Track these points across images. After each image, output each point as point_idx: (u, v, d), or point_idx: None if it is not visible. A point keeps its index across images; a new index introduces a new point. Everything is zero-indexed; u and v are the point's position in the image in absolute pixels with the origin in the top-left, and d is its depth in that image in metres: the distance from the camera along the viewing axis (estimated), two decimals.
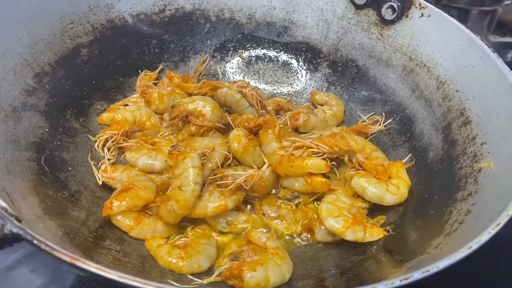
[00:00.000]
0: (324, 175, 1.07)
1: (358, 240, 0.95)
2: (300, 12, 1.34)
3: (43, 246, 0.62)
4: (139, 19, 1.31)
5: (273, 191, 1.11)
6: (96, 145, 1.12)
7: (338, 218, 0.96)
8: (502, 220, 0.70)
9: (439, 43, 1.12)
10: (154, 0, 1.32)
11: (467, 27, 1.06)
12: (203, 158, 1.00)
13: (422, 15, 1.15)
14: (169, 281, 0.85)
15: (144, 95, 1.22)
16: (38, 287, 0.99)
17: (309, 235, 1.03)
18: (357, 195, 1.05)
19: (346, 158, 1.10)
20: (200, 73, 1.38)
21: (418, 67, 1.17)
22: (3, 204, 0.66)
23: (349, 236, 0.95)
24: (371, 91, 1.28)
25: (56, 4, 1.13)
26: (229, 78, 1.41)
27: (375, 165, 1.07)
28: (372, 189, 1.01)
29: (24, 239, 0.63)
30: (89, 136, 1.14)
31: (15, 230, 0.63)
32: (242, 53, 1.41)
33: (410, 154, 1.13)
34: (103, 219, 0.96)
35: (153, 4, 1.32)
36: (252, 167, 1.06)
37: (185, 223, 1.00)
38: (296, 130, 1.24)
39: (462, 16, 1.68)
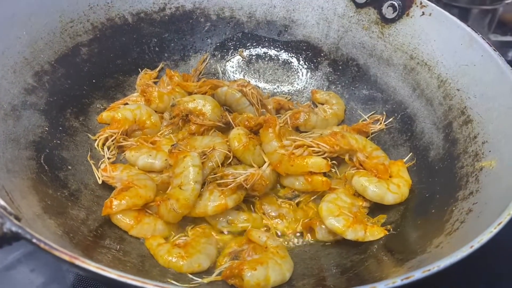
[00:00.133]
0: (324, 174, 1.06)
1: (359, 239, 0.95)
2: (300, 10, 1.34)
3: (42, 245, 0.61)
4: (139, 17, 1.30)
5: (275, 188, 1.11)
6: (96, 144, 1.12)
7: (338, 217, 0.96)
8: (504, 219, 0.69)
9: (440, 41, 1.11)
10: None
11: (468, 26, 1.05)
12: (204, 157, 1.00)
13: (423, 13, 1.14)
14: (169, 280, 0.85)
15: (144, 94, 1.22)
16: (38, 286, 0.98)
17: (309, 235, 1.03)
18: (357, 194, 1.05)
19: (346, 157, 1.09)
20: (201, 72, 1.37)
21: (419, 66, 1.16)
22: (2, 202, 0.66)
23: (350, 235, 0.95)
24: (371, 90, 1.28)
25: (56, 3, 1.13)
26: (229, 77, 1.41)
27: (375, 164, 1.07)
28: (373, 188, 1.01)
29: (23, 238, 0.62)
30: (89, 135, 1.14)
31: (14, 228, 0.62)
32: (242, 52, 1.41)
33: (411, 153, 1.13)
34: (103, 218, 0.96)
35: (153, 3, 1.31)
36: (253, 166, 1.06)
37: (185, 222, 1.00)
38: (297, 129, 1.24)
39: (463, 15, 1.68)
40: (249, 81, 1.29)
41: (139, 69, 1.31)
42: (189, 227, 1.00)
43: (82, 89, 1.18)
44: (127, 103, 1.21)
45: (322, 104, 1.31)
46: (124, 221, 0.96)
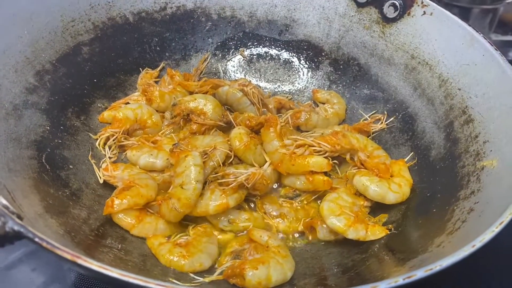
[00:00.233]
0: (325, 173, 1.06)
1: (360, 238, 0.95)
2: (301, 10, 1.34)
3: (44, 244, 0.62)
4: (140, 17, 1.30)
5: (275, 186, 1.11)
6: (97, 143, 1.12)
7: (340, 216, 0.96)
8: (506, 218, 0.69)
9: (441, 41, 1.11)
10: None
11: (469, 25, 1.05)
12: (205, 156, 1.00)
13: (424, 13, 1.14)
14: (170, 279, 0.85)
15: (146, 93, 1.22)
16: (39, 285, 0.98)
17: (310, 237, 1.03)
18: (359, 194, 1.05)
19: (348, 157, 1.09)
20: (202, 71, 1.37)
21: (420, 65, 1.16)
22: (4, 202, 0.66)
23: (351, 234, 0.95)
24: (372, 90, 1.28)
25: (57, 2, 1.13)
26: (230, 77, 1.41)
27: (377, 163, 1.07)
28: (374, 188, 1.01)
29: (25, 237, 0.63)
30: (90, 134, 1.14)
31: (16, 227, 0.62)
32: (243, 51, 1.41)
33: (412, 153, 1.13)
34: (104, 217, 0.96)
35: (154, 2, 1.31)
36: (254, 166, 1.06)
37: (186, 221, 1.00)
38: (298, 129, 1.24)
39: (464, 15, 1.68)
40: (250, 81, 1.29)
41: (140, 68, 1.31)
42: (191, 226, 1.00)
43: (83, 88, 1.18)
44: (128, 103, 1.21)
45: (323, 103, 1.31)
46: (125, 220, 0.96)
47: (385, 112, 1.24)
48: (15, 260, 1.02)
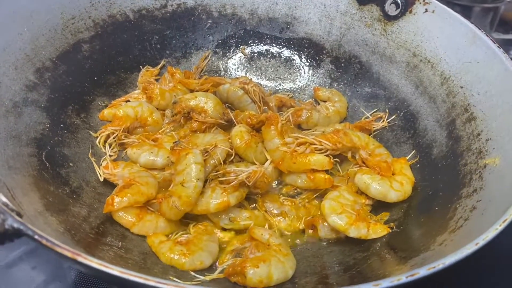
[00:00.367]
0: (327, 171, 1.06)
1: (362, 237, 0.94)
2: (302, 7, 1.33)
3: (44, 242, 0.61)
4: (140, 14, 1.30)
5: (275, 184, 1.11)
6: (97, 141, 1.12)
7: (341, 214, 0.96)
8: (509, 216, 0.69)
9: (443, 38, 1.11)
10: None
11: (472, 23, 1.05)
12: (205, 154, 0.99)
13: (426, 10, 1.14)
14: (171, 277, 0.85)
15: (146, 91, 1.22)
16: (39, 284, 0.98)
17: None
18: (360, 192, 1.05)
19: (349, 155, 1.09)
20: (202, 69, 1.37)
21: (422, 63, 1.16)
22: (4, 199, 0.66)
23: (353, 233, 0.94)
24: (374, 88, 1.28)
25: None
26: (231, 74, 1.41)
27: (378, 161, 1.06)
28: (376, 186, 1.01)
29: (25, 235, 0.62)
30: (91, 132, 1.13)
31: (16, 225, 0.62)
32: (244, 49, 1.41)
33: (414, 151, 1.13)
34: (104, 215, 0.96)
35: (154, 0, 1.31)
36: (255, 164, 1.05)
37: (187, 219, 0.99)
38: (299, 127, 1.24)
39: (465, 13, 1.67)
40: (251, 79, 1.29)
41: (141, 66, 1.31)
42: (191, 224, 0.99)
43: (83, 86, 1.18)
44: (128, 100, 1.21)
45: (324, 101, 1.30)
46: (125, 218, 0.95)
47: (387, 110, 1.23)
48: (16, 258, 1.01)
